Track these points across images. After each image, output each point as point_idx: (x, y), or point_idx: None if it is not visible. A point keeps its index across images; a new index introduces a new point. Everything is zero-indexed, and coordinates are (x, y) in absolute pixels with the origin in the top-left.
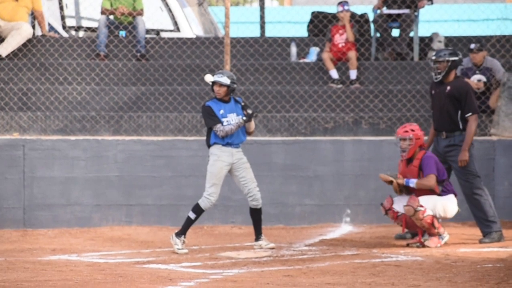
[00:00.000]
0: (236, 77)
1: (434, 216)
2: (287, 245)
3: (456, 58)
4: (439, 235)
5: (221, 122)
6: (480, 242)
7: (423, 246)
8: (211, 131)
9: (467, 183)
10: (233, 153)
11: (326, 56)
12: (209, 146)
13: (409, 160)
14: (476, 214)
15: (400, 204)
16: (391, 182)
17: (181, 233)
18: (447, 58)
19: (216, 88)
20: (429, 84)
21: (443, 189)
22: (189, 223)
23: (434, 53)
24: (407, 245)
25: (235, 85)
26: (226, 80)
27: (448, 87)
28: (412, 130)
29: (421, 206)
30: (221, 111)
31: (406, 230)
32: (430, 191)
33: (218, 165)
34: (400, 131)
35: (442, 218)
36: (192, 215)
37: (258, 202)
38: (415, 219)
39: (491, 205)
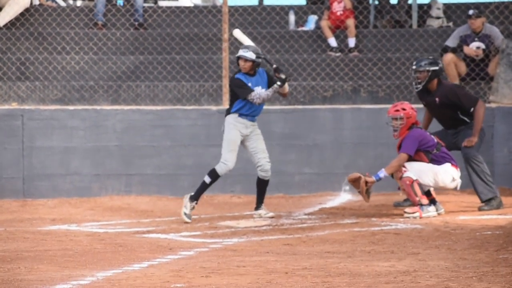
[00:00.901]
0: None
1: (415, 181)
2: (286, 214)
3: (436, 68)
4: (420, 204)
5: (253, 90)
6: (479, 209)
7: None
8: (236, 100)
9: (467, 152)
10: (247, 126)
11: (325, 24)
12: (227, 114)
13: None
14: (474, 180)
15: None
16: (359, 180)
17: (195, 197)
18: (427, 68)
19: (241, 63)
20: (413, 81)
21: (433, 158)
22: (204, 187)
23: (414, 62)
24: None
25: (260, 60)
26: (251, 55)
27: (437, 98)
28: (403, 109)
29: (404, 166)
30: (250, 84)
31: (405, 197)
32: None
33: (234, 133)
34: (391, 110)
35: (437, 187)
36: (208, 179)
37: (267, 174)
38: (395, 177)
39: (488, 172)
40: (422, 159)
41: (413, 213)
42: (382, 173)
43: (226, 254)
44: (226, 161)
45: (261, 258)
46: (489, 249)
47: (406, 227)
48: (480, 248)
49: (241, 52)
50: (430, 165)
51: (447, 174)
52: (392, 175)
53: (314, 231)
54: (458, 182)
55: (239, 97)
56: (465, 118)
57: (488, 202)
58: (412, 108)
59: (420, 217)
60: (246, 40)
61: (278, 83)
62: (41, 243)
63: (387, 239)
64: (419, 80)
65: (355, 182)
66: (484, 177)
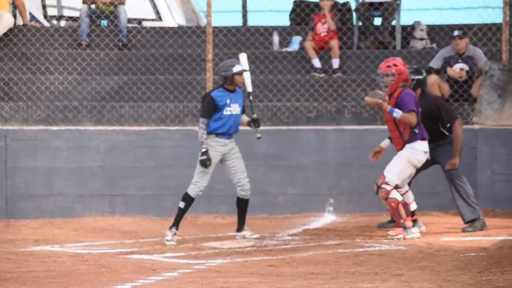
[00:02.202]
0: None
1: (400, 204)
2: (270, 235)
3: (420, 77)
4: (404, 227)
5: (222, 110)
6: (463, 231)
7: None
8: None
9: (451, 173)
10: (226, 143)
11: (309, 45)
12: None
13: (390, 97)
14: (457, 200)
15: None
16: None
17: (173, 224)
18: (412, 77)
19: (239, 78)
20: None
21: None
22: (180, 213)
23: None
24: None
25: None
26: (246, 66)
27: (419, 109)
28: (395, 65)
29: (387, 183)
30: (228, 101)
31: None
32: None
33: (210, 154)
34: (382, 65)
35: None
36: (182, 204)
37: (247, 193)
38: (380, 197)
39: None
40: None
41: (396, 235)
42: (398, 114)
43: (209, 275)
44: (196, 182)
45: (244, 279)
46: (472, 271)
47: (390, 248)
48: (464, 270)
49: (241, 68)
50: (403, 156)
51: (419, 153)
52: (377, 191)
53: (297, 252)
54: (428, 153)
55: (206, 116)
56: (445, 132)
57: (472, 223)
58: (404, 65)
59: (404, 239)
60: (247, 71)
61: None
62: (24, 264)
63: (371, 260)
64: None
65: (375, 92)
66: (468, 198)
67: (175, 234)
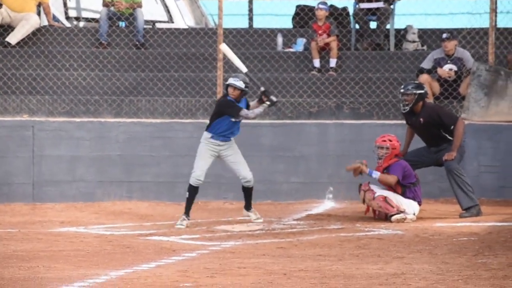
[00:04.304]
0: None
1: (387, 196)
2: (276, 219)
3: (422, 91)
4: (399, 212)
5: (242, 108)
6: (461, 216)
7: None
8: (215, 120)
9: (449, 165)
10: (220, 144)
11: (314, 45)
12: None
13: (385, 170)
14: (455, 189)
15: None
16: (358, 168)
17: (185, 213)
18: (414, 91)
19: (230, 90)
20: (401, 115)
21: (407, 192)
22: (188, 202)
23: (402, 86)
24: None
25: (247, 89)
26: (241, 84)
27: (421, 119)
28: (390, 140)
29: (370, 189)
30: None
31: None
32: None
33: (205, 147)
34: (379, 140)
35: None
36: (187, 195)
37: (250, 183)
38: (368, 200)
39: (468, 183)
40: (396, 189)
41: (399, 214)
42: (376, 175)
43: (226, 256)
44: (194, 171)
45: (258, 260)
46: (467, 254)
47: (388, 232)
48: (459, 253)
49: (231, 81)
50: (396, 195)
51: (410, 207)
52: (363, 201)
53: (303, 235)
54: (414, 218)
55: (232, 116)
56: (447, 136)
57: (468, 210)
58: (397, 141)
59: (406, 218)
60: (232, 56)
61: (267, 102)
62: (54, 243)
63: (372, 244)
64: (406, 102)
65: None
66: (465, 187)
67: (184, 219)
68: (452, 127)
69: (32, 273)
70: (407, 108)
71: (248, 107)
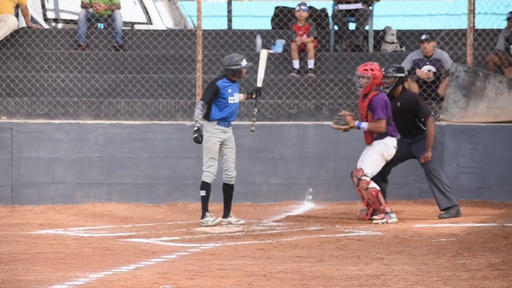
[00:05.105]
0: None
1: (379, 192)
2: (256, 221)
3: (402, 75)
4: (385, 212)
5: (226, 99)
6: (440, 217)
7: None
8: (211, 107)
9: (427, 166)
10: (225, 131)
11: (294, 46)
12: (205, 119)
13: (365, 96)
14: (434, 190)
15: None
16: (344, 117)
17: (204, 211)
18: (394, 74)
19: (244, 71)
20: None
21: (388, 129)
22: (204, 200)
23: (383, 69)
24: (371, 220)
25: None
26: (246, 63)
27: (398, 103)
28: (372, 70)
29: (365, 175)
30: (229, 90)
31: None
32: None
33: (212, 140)
34: (360, 68)
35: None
36: (203, 193)
37: (231, 179)
38: (361, 188)
39: (446, 183)
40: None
41: (381, 219)
42: (364, 125)
43: (205, 257)
44: (208, 169)
45: (238, 261)
46: (446, 255)
47: (367, 234)
48: (438, 254)
49: (246, 63)
50: (374, 150)
51: (390, 147)
52: (357, 184)
53: (283, 237)
54: (396, 220)
55: (207, 101)
56: (422, 126)
57: (447, 211)
58: (380, 70)
59: (387, 222)
60: (263, 66)
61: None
62: (33, 246)
63: (352, 245)
64: (387, 85)
65: (339, 118)
66: (443, 188)
67: (211, 215)
68: (423, 119)
69: (10, 276)
70: (387, 90)
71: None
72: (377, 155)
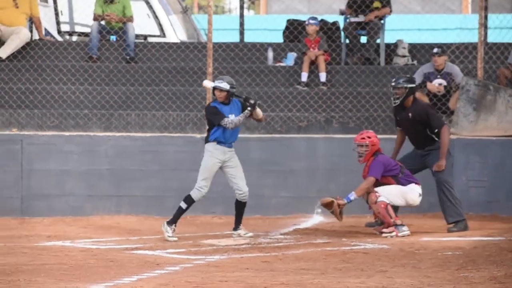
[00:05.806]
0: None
1: (389, 204)
2: (263, 233)
3: (413, 85)
4: (395, 225)
5: (227, 117)
6: (449, 231)
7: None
8: (212, 128)
9: (439, 177)
10: (225, 152)
11: (306, 58)
12: (206, 142)
13: (366, 164)
14: (444, 202)
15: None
16: (331, 204)
17: (172, 221)
18: (405, 85)
19: (217, 93)
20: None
21: (400, 181)
22: (180, 212)
23: (393, 80)
24: (380, 233)
25: (234, 89)
26: (226, 86)
27: (410, 114)
28: (369, 137)
29: (375, 190)
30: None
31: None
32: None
33: (211, 161)
34: (357, 138)
35: (406, 205)
36: (184, 205)
37: (245, 197)
38: (370, 202)
39: (457, 197)
40: (390, 182)
41: (390, 232)
42: (352, 195)
43: (209, 269)
44: (201, 188)
45: (241, 273)
46: (450, 268)
47: (374, 247)
48: (442, 267)
49: (216, 83)
50: (399, 187)
51: (414, 192)
52: (367, 201)
53: (289, 249)
54: (408, 233)
55: (214, 124)
56: (434, 137)
57: (456, 224)
58: (376, 137)
59: (397, 236)
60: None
61: (249, 108)
62: (38, 257)
63: (357, 258)
64: (397, 96)
65: (327, 205)
66: (454, 201)
67: (174, 230)
68: (436, 130)
69: (11, 287)
70: (398, 101)
71: (243, 107)
72: (398, 189)
